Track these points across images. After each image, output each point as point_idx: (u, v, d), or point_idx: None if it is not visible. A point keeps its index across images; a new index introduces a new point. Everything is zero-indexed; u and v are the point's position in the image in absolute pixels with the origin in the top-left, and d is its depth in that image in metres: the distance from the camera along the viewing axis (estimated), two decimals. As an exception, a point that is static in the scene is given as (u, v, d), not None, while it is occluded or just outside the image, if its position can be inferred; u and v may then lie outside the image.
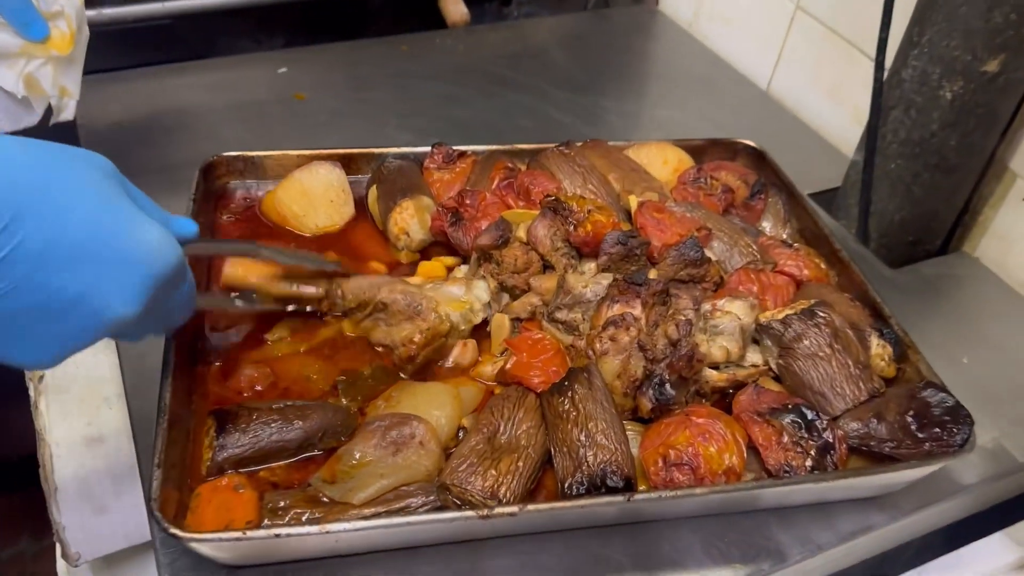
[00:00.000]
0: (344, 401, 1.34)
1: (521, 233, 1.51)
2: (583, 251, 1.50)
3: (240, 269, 1.38)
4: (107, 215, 0.86)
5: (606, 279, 1.41)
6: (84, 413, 1.52)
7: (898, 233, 1.88)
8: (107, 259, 0.86)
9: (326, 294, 1.41)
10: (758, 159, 1.87)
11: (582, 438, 1.21)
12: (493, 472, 1.19)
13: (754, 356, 1.42)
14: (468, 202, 1.57)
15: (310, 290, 1.40)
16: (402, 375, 1.39)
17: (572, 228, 1.48)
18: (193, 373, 1.36)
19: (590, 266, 1.50)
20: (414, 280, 1.47)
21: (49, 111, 1.57)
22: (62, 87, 1.54)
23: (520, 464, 1.21)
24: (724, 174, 1.77)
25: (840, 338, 1.37)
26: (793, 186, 1.77)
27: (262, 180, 1.72)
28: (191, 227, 1.15)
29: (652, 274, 1.49)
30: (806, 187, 2.01)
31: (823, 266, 1.61)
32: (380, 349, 1.42)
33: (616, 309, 1.33)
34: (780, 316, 1.40)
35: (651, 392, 1.28)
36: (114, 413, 1.53)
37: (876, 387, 1.35)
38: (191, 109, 2.09)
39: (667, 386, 1.28)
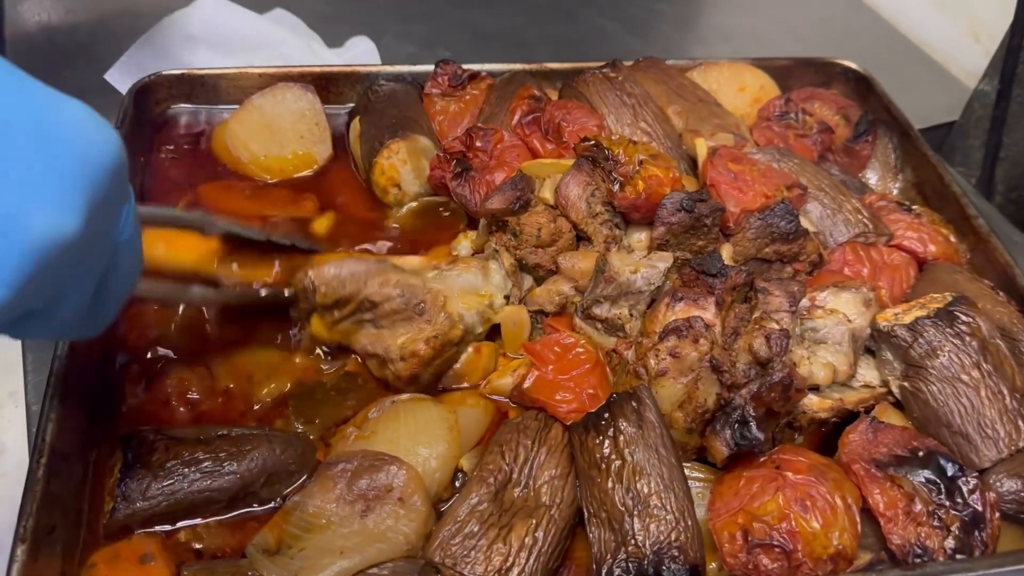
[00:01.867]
0: (298, 426, 0.98)
1: (547, 193, 1.11)
2: (631, 218, 1.10)
3: (163, 248, 1.00)
4: (14, 86, 0.58)
5: (664, 260, 1.02)
6: (-20, 412, 1.18)
7: (1035, 186, 1.47)
8: (20, 143, 0.57)
9: (293, 283, 1.04)
10: (861, 86, 1.45)
11: (628, 501, 0.86)
12: (501, 547, 0.86)
13: (868, 372, 1.04)
14: (479, 144, 1.18)
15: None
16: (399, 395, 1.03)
17: (617, 187, 1.08)
18: (101, 376, 1.01)
19: (640, 238, 1.11)
20: (409, 262, 1.08)
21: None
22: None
23: (539, 534, 0.87)
24: (818, 106, 1.36)
25: (991, 354, 0.99)
26: (910, 125, 1.36)
27: (214, 106, 1.33)
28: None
29: (726, 252, 1.09)
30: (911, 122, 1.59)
31: (952, 239, 1.21)
32: (367, 361, 1.05)
33: (680, 311, 0.95)
34: (907, 319, 1.01)
35: (729, 434, 0.91)
36: (20, 413, 1.19)
37: None
38: (144, 9, 1.68)
39: (752, 426, 0.90)
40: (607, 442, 0.90)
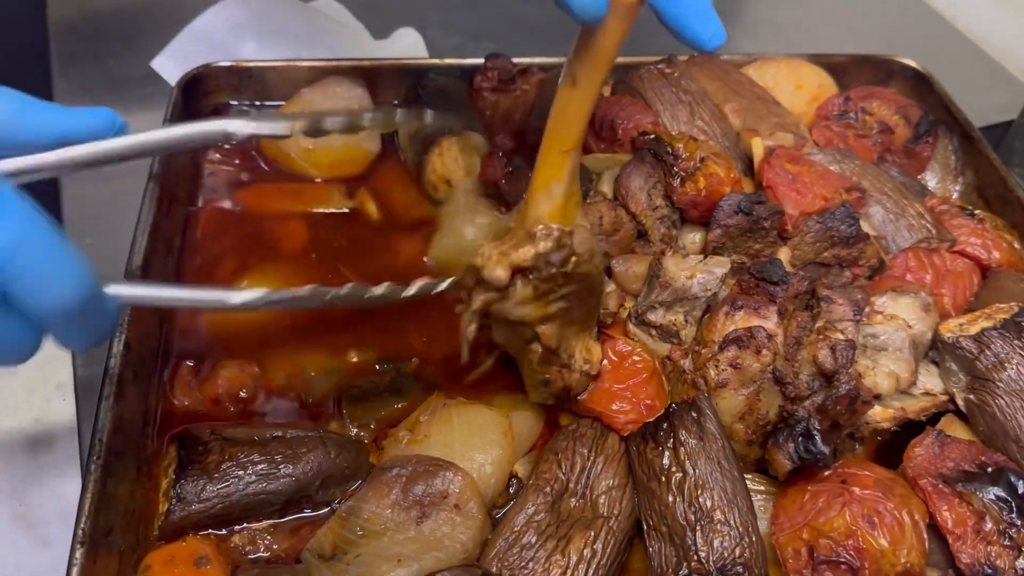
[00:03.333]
0: (352, 428, 0.96)
1: (605, 187, 1.09)
2: (689, 216, 1.08)
3: None
4: None
5: (721, 266, 1.00)
6: (31, 406, 1.18)
7: (1097, 189, 1.42)
8: None
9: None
10: (920, 85, 1.40)
11: (690, 515, 0.84)
12: (560, 559, 0.84)
13: (928, 380, 1.01)
14: (532, 141, 1.15)
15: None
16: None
17: (678, 182, 1.06)
18: (152, 377, 1.00)
19: (694, 239, 1.09)
20: None
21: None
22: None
23: (598, 546, 0.85)
24: (877, 105, 1.32)
25: None
26: (971, 126, 1.32)
27: (263, 101, 1.31)
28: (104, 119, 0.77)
29: (784, 255, 1.06)
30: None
31: (1016, 246, 1.17)
32: (532, 357, 0.92)
33: (740, 320, 0.92)
34: (973, 330, 0.98)
35: (792, 447, 0.89)
36: (68, 406, 1.19)
37: None
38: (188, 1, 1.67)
39: (818, 439, 0.88)
40: (667, 453, 0.87)
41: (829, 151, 1.19)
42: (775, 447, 0.90)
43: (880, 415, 0.97)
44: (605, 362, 0.98)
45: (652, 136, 1.09)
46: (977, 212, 1.20)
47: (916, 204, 1.14)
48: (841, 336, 0.91)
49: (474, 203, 1.15)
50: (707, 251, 1.06)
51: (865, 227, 1.09)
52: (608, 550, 0.85)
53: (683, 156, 1.07)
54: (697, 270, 1.00)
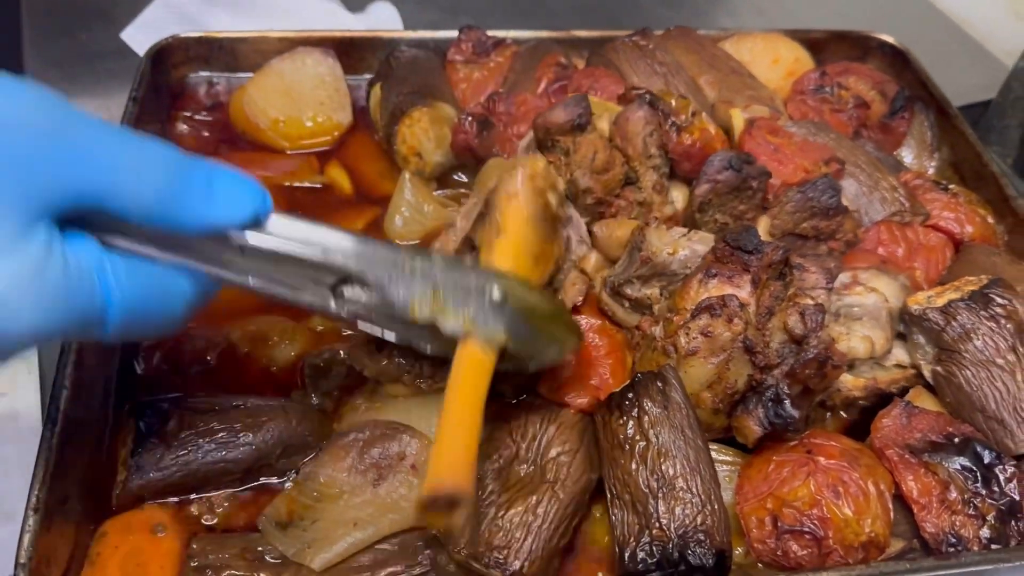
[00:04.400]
0: (314, 398, 0.95)
1: (603, 124, 1.07)
2: (680, 168, 1.08)
3: None
4: None
5: (704, 243, 0.98)
6: (-6, 378, 1.16)
7: (1074, 167, 1.42)
8: None
9: None
10: (897, 61, 1.40)
11: (652, 483, 0.83)
12: (500, 523, 0.82)
13: (899, 352, 1.01)
14: (501, 108, 1.14)
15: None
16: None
17: (675, 132, 1.05)
18: (117, 346, 0.99)
19: (677, 196, 1.07)
20: None
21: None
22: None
23: (540, 511, 0.84)
24: (854, 81, 1.31)
25: None
26: (947, 102, 1.31)
27: (234, 73, 1.30)
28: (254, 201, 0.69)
29: (763, 225, 1.05)
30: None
31: (990, 220, 1.17)
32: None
33: (714, 288, 0.91)
34: (940, 302, 0.97)
35: (762, 412, 0.88)
36: (33, 379, 1.17)
37: None
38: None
39: (787, 404, 0.87)
40: (631, 423, 0.86)
41: (804, 124, 1.18)
42: (744, 413, 0.89)
43: (852, 384, 0.96)
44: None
45: (644, 90, 1.08)
46: (952, 187, 1.19)
47: (890, 178, 1.13)
48: (811, 301, 0.90)
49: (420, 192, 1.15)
50: (693, 207, 1.04)
51: (844, 200, 1.08)
52: (551, 515, 0.84)
53: (677, 110, 1.06)
54: (679, 245, 0.98)
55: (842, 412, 0.99)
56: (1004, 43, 1.71)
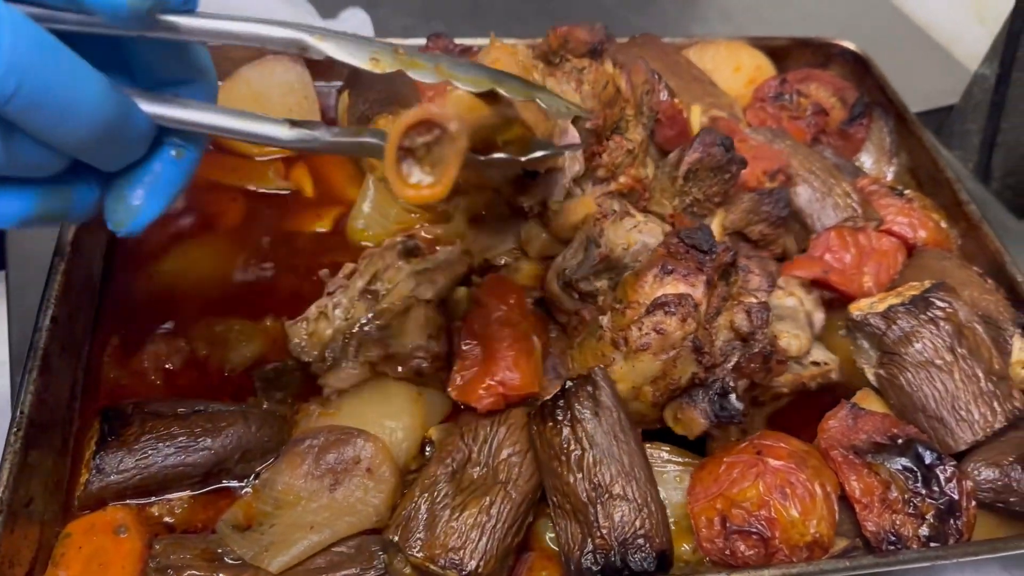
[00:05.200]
0: (266, 405, 0.97)
1: (610, 66, 1.08)
2: (663, 134, 1.13)
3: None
4: None
5: (654, 236, 1.00)
6: (-35, 380, 1.18)
7: (1032, 171, 1.45)
8: None
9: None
10: (859, 68, 1.42)
11: (591, 492, 0.85)
12: (454, 526, 0.85)
13: (816, 352, 1.03)
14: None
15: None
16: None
17: (668, 94, 1.12)
18: (83, 351, 1.01)
19: (648, 172, 1.10)
20: None
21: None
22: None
23: (493, 512, 0.86)
24: (814, 88, 1.33)
25: (966, 339, 0.98)
26: (906, 108, 1.34)
27: (203, 77, 1.31)
28: None
29: (717, 219, 1.08)
30: (909, 103, 1.57)
31: (943, 225, 1.19)
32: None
33: (670, 285, 0.91)
34: (881, 307, 1.00)
35: (707, 405, 0.90)
36: (3, 380, 1.19)
37: (1019, 407, 0.96)
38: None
39: (732, 397, 0.89)
40: (565, 430, 0.87)
41: (761, 131, 1.20)
42: (690, 406, 0.91)
43: (782, 379, 0.98)
44: (475, 344, 0.98)
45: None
46: (907, 192, 1.22)
47: (844, 184, 1.16)
48: (755, 300, 0.92)
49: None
50: (680, 175, 1.06)
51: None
52: (504, 515, 0.86)
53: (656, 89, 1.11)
54: (632, 239, 0.99)
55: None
56: (968, 47, 1.74)
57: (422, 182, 0.68)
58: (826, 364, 1.02)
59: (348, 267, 1.02)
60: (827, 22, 1.76)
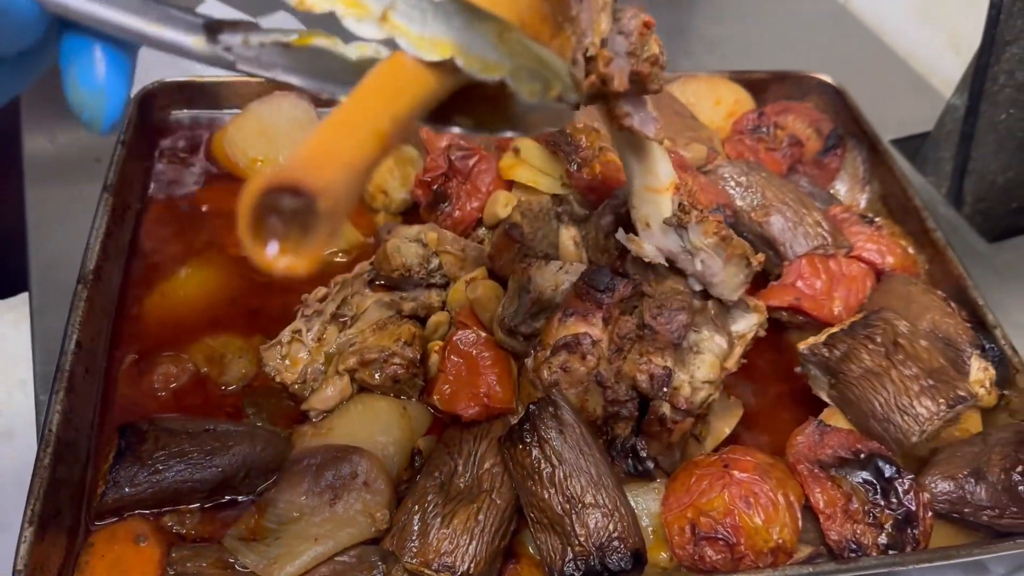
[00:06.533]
0: (258, 424, 1.05)
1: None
2: (588, 199, 1.18)
3: None
4: None
5: (574, 272, 1.06)
6: (-9, 399, 1.26)
7: (1000, 198, 1.52)
8: None
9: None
10: (835, 99, 1.50)
11: (565, 504, 0.91)
12: (445, 532, 0.92)
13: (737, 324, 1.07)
14: (457, 164, 1.23)
15: None
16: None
17: (575, 167, 1.16)
18: (103, 371, 1.09)
19: (571, 234, 1.17)
20: None
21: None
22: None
23: (481, 518, 0.93)
24: (791, 119, 1.41)
25: (902, 348, 1.05)
26: (878, 139, 1.41)
27: (215, 111, 1.40)
28: None
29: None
30: (887, 130, 1.64)
31: (911, 251, 1.27)
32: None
33: (571, 325, 0.99)
34: (823, 338, 1.08)
35: (624, 466, 1.00)
36: (29, 400, 1.26)
37: (961, 395, 1.03)
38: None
39: (643, 455, 0.99)
40: (535, 451, 0.93)
41: (737, 163, 1.28)
42: (614, 463, 1.00)
43: (705, 394, 0.99)
44: (461, 361, 1.07)
45: (556, 130, 1.19)
46: (876, 219, 1.29)
47: (815, 213, 1.23)
48: (660, 365, 0.97)
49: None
50: (599, 235, 1.13)
51: (771, 232, 1.19)
52: (491, 520, 0.93)
53: (583, 146, 1.17)
54: (560, 279, 1.07)
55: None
56: (945, 76, 1.81)
57: (280, 255, 0.51)
58: (750, 331, 1.04)
59: (320, 291, 1.11)
60: (808, 52, 1.83)
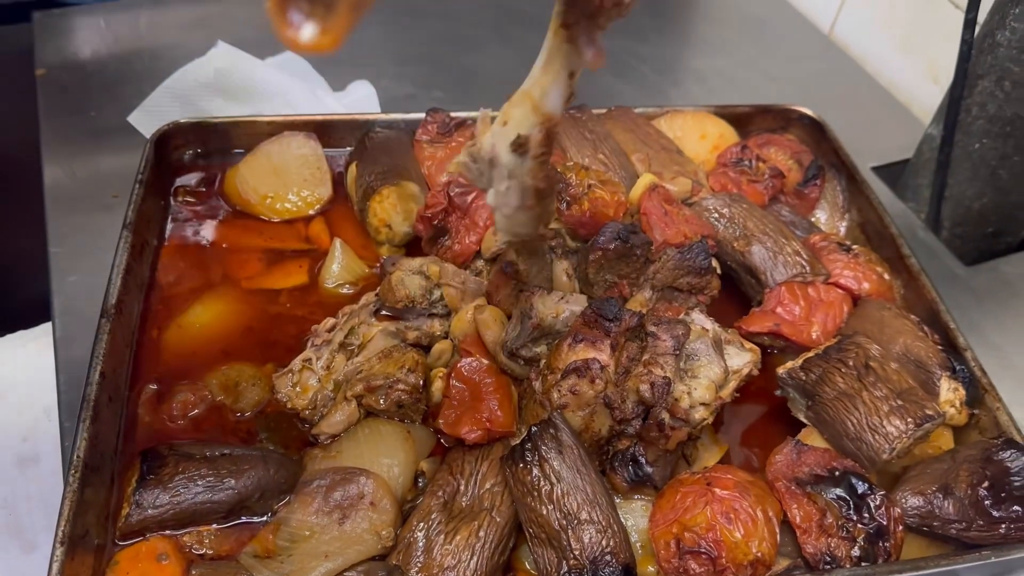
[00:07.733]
0: (270, 447, 1.12)
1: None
2: (577, 235, 1.26)
3: None
4: None
5: (579, 303, 1.14)
6: (19, 426, 1.33)
7: (976, 223, 1.59)
8: None
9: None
10: (815, 131, 1.57)
11: (562, 520, 0.98)
12: (448, 548, 0.99)
13: (733, 360, 1.15)
14: (456, 200, 1.30)
15: None
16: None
17: (565, 206, 1.23)
18: (125, 399, 1.16)
19: (564, 266, 1.24)
20: None
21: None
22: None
23: (482, 534, 1.00)
24: (773, 152, 1.48)
25: (873, 371, 1.12)
26: (856, 170, 1.49)
27: (227, 150, 1.47)
28: None
29: (637, 300, 1.23)
30: (869, 158, 1.73)
31: (887, 277, 1.34)
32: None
33: (580, 351, 1.06)
34: (800, 363, 1.15)
35: (625, 472, 1.06)
36: (54, 426, 1.33)
37: (929, 414, 1.09)
38: (165, 52, 1.83)
39: (643, 462, 1.05)
40: (535, 470, 1.00)
41: (720, 196, 1.35)
42: (612, 471, 1.07)
43: (701, 415, 1.08)
44: (464, 387, 1.14)
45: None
46: (854, 247, 1.36)
47: (794, 242, 1.30)
48: (661, 372, 1.05)
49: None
50: (588, 270, 1.20)
51: (750, 263, 1.26)
52: (491, 536, 1.00)
53: (572, 184, 1.24)
54: (560, 309, 1.14)
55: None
56: (924, 105, 1.88)
57: (307, 29, 0.54)
58: (747, 368, 1.14)
59: (328, 321, 1.20)
60: (792, 83, 1.91)
